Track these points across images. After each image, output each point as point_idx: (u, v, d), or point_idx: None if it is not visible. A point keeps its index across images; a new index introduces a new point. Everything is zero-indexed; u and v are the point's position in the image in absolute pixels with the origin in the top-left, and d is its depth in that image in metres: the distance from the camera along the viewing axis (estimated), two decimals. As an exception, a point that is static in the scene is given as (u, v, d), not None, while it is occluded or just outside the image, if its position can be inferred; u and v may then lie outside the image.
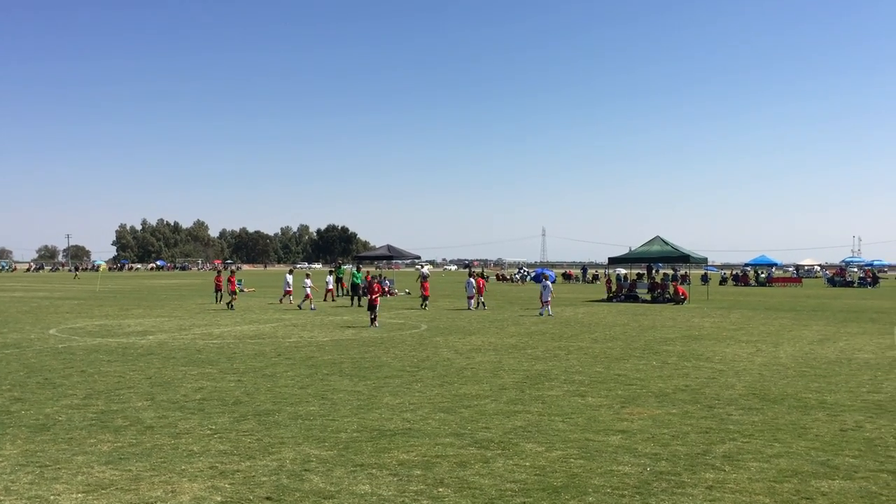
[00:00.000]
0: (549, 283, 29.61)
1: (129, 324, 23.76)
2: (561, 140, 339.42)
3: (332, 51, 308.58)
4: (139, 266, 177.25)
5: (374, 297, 23.47)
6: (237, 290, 32.51)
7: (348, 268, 43.87)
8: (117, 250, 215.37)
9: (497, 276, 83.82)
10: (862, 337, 20.99)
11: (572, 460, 7.86)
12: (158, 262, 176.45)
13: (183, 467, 7.51)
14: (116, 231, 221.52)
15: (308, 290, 31.49)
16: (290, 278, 35.43)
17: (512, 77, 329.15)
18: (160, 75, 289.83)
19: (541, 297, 29.06)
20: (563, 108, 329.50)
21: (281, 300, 34.95)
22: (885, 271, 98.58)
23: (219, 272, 38.56)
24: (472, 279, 33.06)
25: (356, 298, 33.75)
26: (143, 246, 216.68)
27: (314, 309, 30.50)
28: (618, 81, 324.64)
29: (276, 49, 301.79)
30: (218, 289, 35.11)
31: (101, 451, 8.11)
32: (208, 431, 9.01)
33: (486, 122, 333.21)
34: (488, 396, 11.44)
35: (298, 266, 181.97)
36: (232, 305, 30.56)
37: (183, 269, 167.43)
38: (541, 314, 28.20)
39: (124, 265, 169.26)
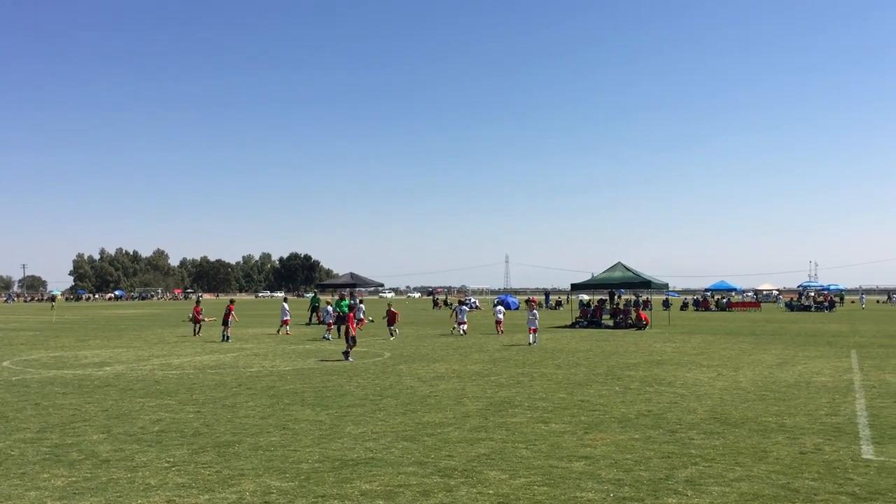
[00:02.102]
0: (535, 311, 28.60)
1: (86, 355, 23.28)
2: (523, 168, 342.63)
3: (293, 79, 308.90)
4: (96, 296, 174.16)
5: (351, 326, 21.32)
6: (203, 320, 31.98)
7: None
8: (74, 280, 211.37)
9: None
10: (820, 360, 21.33)
11: (536, 487, 7.83)
12: (117, 292, 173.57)
13: (139, 502, 7.33)
14: (74, 260, 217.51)
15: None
16: (286, 307, 34.82)
17: (474, 107, 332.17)
18: (117, 103, 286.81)
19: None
20: (527, 137, 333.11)
21: (288, 331, 33.39)
22: (843, 296, 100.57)
23: (197, 302, 36.78)
24: (464, 306, 33.19)
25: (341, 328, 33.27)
26: (101, 275, 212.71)
27: (329, 339, 29.43)
28: (576, 110, 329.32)
29: (235, 77, 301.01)
30: (197, 320, 32.88)
31: (54, 486, 7.90)
32: (166, 464, 8.82)
33: (450, 150, 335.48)
34: (452, 424, 11.39)
35: (261, 294, 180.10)
36: (227, 337, 29.17)
37: (143, 298, 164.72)
38: (530, 344, 26.72)
39: (81, 295, 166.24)
